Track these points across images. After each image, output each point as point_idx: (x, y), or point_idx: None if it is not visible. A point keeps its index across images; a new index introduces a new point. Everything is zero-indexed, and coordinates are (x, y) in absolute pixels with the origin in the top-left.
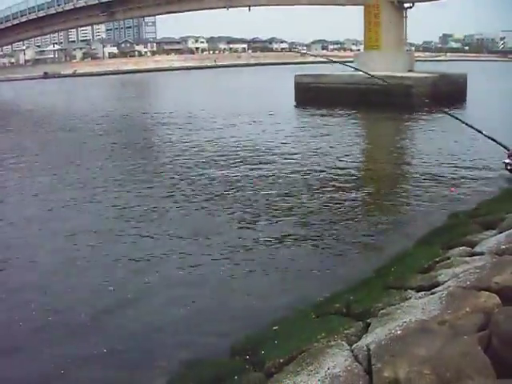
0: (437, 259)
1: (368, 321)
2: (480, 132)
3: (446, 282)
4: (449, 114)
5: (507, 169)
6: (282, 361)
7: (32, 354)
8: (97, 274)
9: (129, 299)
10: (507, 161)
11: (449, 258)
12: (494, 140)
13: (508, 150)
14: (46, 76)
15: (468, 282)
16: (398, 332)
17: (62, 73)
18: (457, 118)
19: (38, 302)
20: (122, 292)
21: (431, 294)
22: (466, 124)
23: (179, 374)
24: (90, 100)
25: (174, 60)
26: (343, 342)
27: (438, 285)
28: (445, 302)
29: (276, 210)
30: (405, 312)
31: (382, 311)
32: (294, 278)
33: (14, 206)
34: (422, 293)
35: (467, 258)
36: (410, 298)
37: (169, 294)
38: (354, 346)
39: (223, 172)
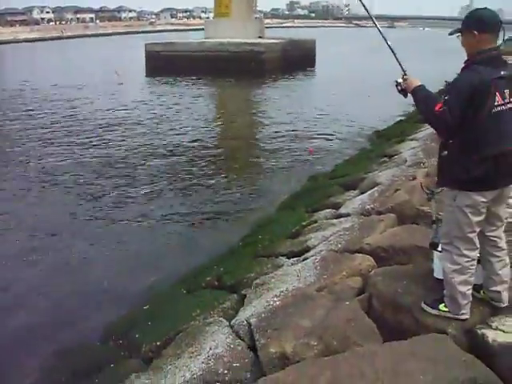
0: (303, 223)
1: (243, 292)
2: (389, 46)
3: (317, 246)
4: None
5: (397, 88)
6: (158, 344)
7: None
8: None
9: None
10: (399, 80)
11: (316, 222)
12: (395, 57)
13: (404, 72)
14: None
15: (339, 245)
16: (277, 303)
17: None
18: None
19: None
20: None
21: (303, 259)
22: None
23: (49, 369)
24: None
25: (19, 32)
26: (221, 318)
27: (309, 250)
28: (319, 268)
29: (135, 181)
30: (280, 281)
31: (255, 281)
32: (158, 253)
33: None
34: (294, 259)
35: (334, 221)
36: (283, 265)
37: (24, 277)
38: (232, 321)
39: (68, 146)
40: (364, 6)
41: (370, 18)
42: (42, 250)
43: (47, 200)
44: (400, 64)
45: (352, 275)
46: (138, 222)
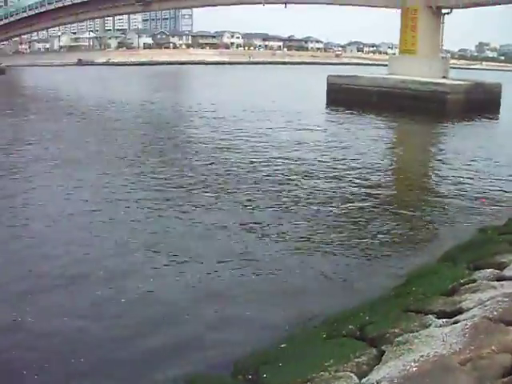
0: (462, 281)
1: (382, 348)
2: None
3: (471, 309)
4: None
5: None
6: None
7: None
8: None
9: (127, 310)
10: None
11: (475, 281)
12: None
13: None
14: (79, 63)
15: (495, 313)
16: (414, 369)
17: (96, 61)
18: None
19: None
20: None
21: (454, 322)
22: None
23: None
24: (120, 90)
25: (209, 54)
26: (352, 374)
27: (461, 312)
28: (468, 336)
29: (292, 213)
30: (423, 342)
31: (398, 338)
32: (306, 288)
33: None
34: (444, 320)
35: (495, 283)
36: (430, 325)
37: (169, 303)
38: (363, 380)
39: (253, 169)
40: None
41: None
42: (180, 272)
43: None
44: None
45: (503, 351)
46: (290, 252)
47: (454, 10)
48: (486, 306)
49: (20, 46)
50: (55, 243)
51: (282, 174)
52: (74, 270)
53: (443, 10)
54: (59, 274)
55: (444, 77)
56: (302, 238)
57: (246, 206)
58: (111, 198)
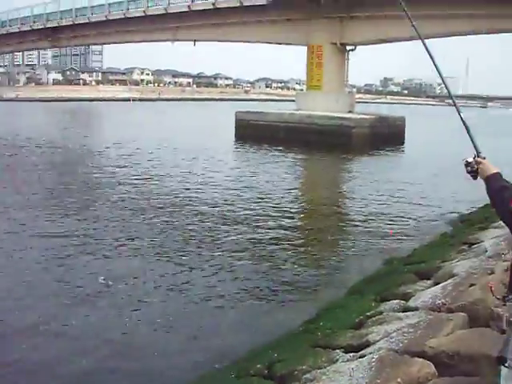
0: (368, 313)
1: None
2: (464, 123)
3: (377, 342)
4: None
5: (467, 169)
6: None
7: None
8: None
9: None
10: (470, 159)
11: (381, 313)
12: (469, 134)
13: (478, 153)
14: None
15: (400, 345)
16: None
17: (5, 96)
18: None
19: None
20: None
21: (360, 356)
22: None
23: None
24: (28, 126)
25: (119, 90)
26: None
27: (368, 345)
28: (374, 369)
29: (204, 247)
30: (330, 379)
31: (305, 375)
32: (214, 330)
33: None
34: (351, 354)
35: (401, 314)
36: (338, 360)
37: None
38: None
39: (160, 210)
40: (447, 86)
41: (452, 97)
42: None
43: None
44: (474, 143)
45: (408, 383)
46: (195, 296)
47: (358, 47)
48: (391, 338)
49: None
50: None
51: (187, 215)
52: None
53: (347, 47)
54: None
55: (350, 111)
56: (206, 273)
57: (148, 251)
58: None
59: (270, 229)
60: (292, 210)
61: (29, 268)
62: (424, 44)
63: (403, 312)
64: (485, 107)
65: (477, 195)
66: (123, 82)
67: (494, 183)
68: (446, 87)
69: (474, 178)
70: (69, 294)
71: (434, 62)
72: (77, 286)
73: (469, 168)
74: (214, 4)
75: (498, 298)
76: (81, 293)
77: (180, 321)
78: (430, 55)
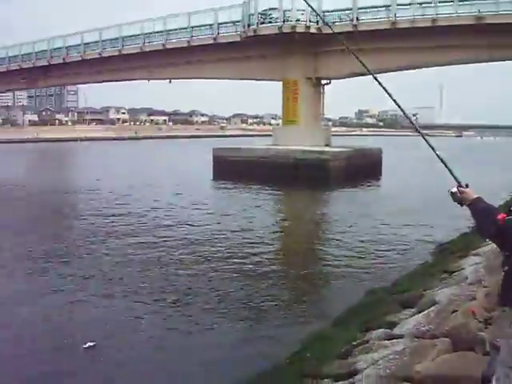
0: (355, 343)
1: None
2: (438, 157)
3: (365, 369)
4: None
5: (453, 198)
6: None
7: None
8: None
9: None
10: (454, 190)
11: (367, 342)
12: (448, 169)
13: (459, 183)
14: None
15: (388, 371)
16: None
17: None
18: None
19: None
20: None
21: None
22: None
23: None
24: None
25: (95, 130)
26: None
27: (356, 373)
28: None
29: (185, 280)
30: None
31: None
32: (196, 363)
33: None
34: (340, 383)
35: (386, 342)
36: None
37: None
38: None
39: (139, 250)
40: (410, 119)
41: (419, 130)
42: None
43: None
44: (453, 174)
45: None
46: (172, 334)
47: (332, 81)
48: (379, 365)
49: None
50: None
51: (166, 255)
52: None
53: (322, 81)
54: None
55: (327, 145)
56: (188, 305)
57: (126, 291)
58: None
59: (250, 264)
60: (271, 245)
61: None
62: (376, 79)
63: (388, 340)
64: (460, 136)
65: (455, 224)
66: (99, 122)
67: (477, 205)
68: (411, 121)
69: (461, 205)
70: None
71: (391, 97)
72: None
73: (454, 197)
74: (188, 42)
75: (481, 321)
76: None
77: (159, 356)
78: (385, 90)
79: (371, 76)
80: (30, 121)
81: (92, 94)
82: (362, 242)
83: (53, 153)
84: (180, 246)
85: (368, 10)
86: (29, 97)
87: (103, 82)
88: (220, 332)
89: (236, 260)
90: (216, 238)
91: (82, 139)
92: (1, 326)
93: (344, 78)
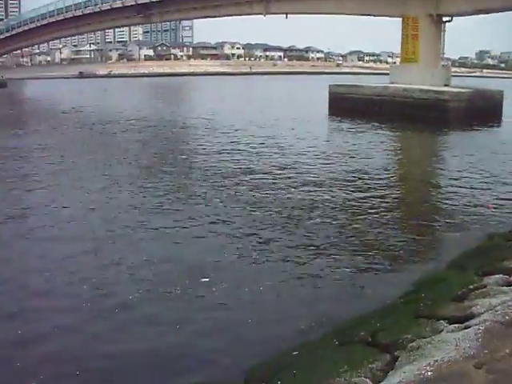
0: (471, 287)
1: (396, 354)
2: None
3: (482, 314)
4: None
5: None
6: None
7: None
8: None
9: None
10: None
11: (485, 287)
12: None
13: None
14: (81, 75)
15: (507, 317)
16: (429, 373)
17: (97, 73)
18: None
19: None
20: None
21: (465, 327)
22: None
23: None
24: (123, 102)
25: (210, 65)
26: (367, 380)
27: (472, 317)
28: (481, 340)
29: (302, 222)
30: (436, 347)
31: (410, 344)
32: (318, 297)
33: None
34: (456, 325)
35: (505, 288)
36: (442, 330)
37: (181, 311)
38: None
39: (259, 180)
40: None
41: None
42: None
43: None
44: None
45: None
46: (298, 262)
47: (454, 18)
48: (496, 311)
49: (21, 59)
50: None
51: (285, 183)
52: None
53: (444, 18)
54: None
55: (446, 85)
56: (309, 245)
57: (251, 214)
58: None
59: (365, 201)
60: (387, 183)
61: None
62: None
63: (508, 286)
64: None
65: None
66: (214, 57)
67: None
68: None
69: None
70: None
71: None
72: None
73: None
74: None
75: None
76: None
77: (282, 289)
78: None
79: (496, 14)
80: (145, 56)
81: (207, 30)
82: (479, 185)
83: (169, 87)
84: (292, 186)
85: None
86: (144, 32)
87: (219, 16)
88: (333, 267)
89: (349, 197)
90: (330, 178)
91: (194, 73)
92: (132, 254)
93: (467, 15)
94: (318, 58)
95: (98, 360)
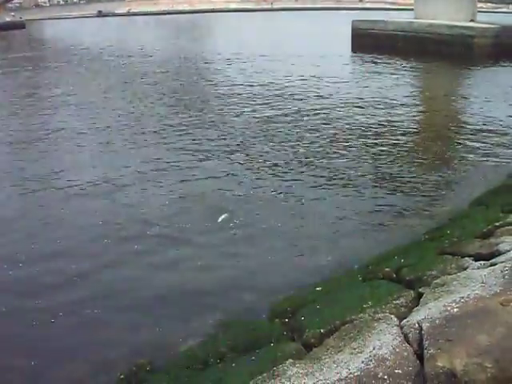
0: (497, 224)
1: (420, 290)
2: None
3: (509, 251)
4: None
5: None
6: (322, 331)
7: None
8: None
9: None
10: None
11: (510, 224)
12: None
13: None
14: (100, 14)
15: None
16: (455, 310)
17: (116, 12)
18: None
19: None
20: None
21: (491, 264)
22: None
23: (212, 336)
24: (144, 40)
25: (231, 1)
26: (392, 316)
27: (498, 254)
28: (508, 277)
29: (326, 158)
30: (462, 284)
31: (435, 281)
32: (342, 232)
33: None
34: (481, 262)
35: None
36: (468, 267)
37: (208, 248)
38: (403, 321)
39: (277, 116)
40: None
41: None
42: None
43: None
44: None
45: None
46: (322, 198)
47: None
48: None
49: (39, 0)
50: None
51: (298, 131)
52: None
53: None
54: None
55: (472, 20)
56: (333, 184)
57: (273, 154)
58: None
59: (387, 138)
60: (410, 123)
61: None
62: None
63: None
64: None
65: None
66: None
67: None
68: None
69: None
70: None
71: None
72: None
73: None
74: None
75: None
76: None
77: (309, 227)
78: None
79: None
80: None
81: None
82: (505, 123)
83: (190, 24)
84: (316, 121)
85: None
86: None
87: None
88: (356, 206)
89: (371, 132)
90: (356, 114)
91: (215, 10)
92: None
93: None
94: None
95: (132, 298)
